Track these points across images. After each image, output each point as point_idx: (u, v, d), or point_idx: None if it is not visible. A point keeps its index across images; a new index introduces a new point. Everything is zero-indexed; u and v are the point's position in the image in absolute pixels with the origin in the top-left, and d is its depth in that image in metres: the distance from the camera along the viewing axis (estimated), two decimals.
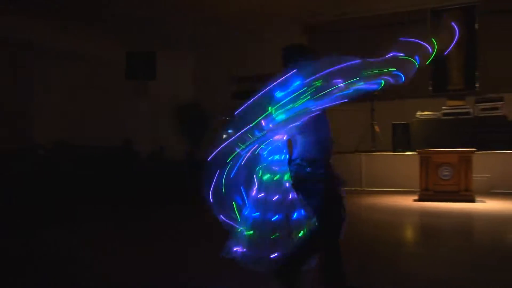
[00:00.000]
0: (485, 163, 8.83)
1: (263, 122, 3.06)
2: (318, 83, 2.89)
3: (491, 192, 8.79)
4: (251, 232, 3.08)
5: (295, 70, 3.01)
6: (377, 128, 10.84)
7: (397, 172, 9.05)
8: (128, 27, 12.18)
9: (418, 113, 10.24)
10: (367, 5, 12.76)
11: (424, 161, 8.15)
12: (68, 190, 7.82)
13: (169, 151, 12.84)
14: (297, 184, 3.08)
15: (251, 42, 14.25)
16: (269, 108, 3.05)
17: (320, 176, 3.01)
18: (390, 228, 5.66)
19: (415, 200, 8.03)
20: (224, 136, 3.32)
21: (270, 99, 3.07)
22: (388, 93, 12.67)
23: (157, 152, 12.43)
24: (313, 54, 3.34)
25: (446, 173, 8.02)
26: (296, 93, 2.94)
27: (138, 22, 11.99)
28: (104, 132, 11.69)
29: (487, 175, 8.90)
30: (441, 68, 11.34)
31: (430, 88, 11.57)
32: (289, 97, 2.96)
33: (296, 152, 3.15)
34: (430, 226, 6.34)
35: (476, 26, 11.10)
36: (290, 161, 3.18)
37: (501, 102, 9.91)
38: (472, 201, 7.78)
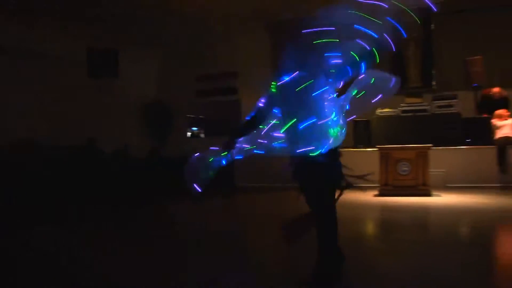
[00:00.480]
0: (440, 158, 8.99)
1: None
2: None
3: (446, 186, 8.97)
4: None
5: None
6: None
7: (358, 168, 9.02)
8: (90, 24, 11.80)
9: (378, 110, 10.34)
10: (329, 4, 12.77)
11: (384, 157, 8.22)
12: (32, 190, 7.56)
13: (134, 149, 12.56)
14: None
15: (215, 40, 14.09)
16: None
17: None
18: (351, 223, 5.64)
19: (375, 195, 8.10)
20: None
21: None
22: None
23: (121, 151, 12.13)
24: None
25: (405, 169, 8.12)
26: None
27: (100, 19, 11.63)
28: (67, 131, 11.33)
29: (442, 170, 9.07)
30: (400, 67, 11.48)
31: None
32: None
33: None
34: (389, 220, 6.40)
35: (432, 26, 11.29)
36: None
37: (455, 100, 10.13)
38: (429, 195, 7.92)
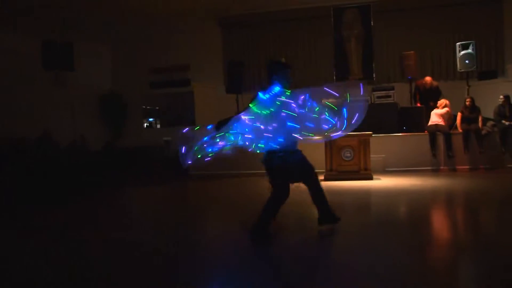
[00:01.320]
0: (380, 145, 9.43)
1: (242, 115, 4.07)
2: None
3: (385, 170, 9.43)
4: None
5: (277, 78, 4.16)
6: None
7: (306, 155, 9.36)
8: (45, 16, 11.38)
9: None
10: (276, 0, 13.02)
11: (329, 144, 8.50)
12: None
13: (89, 141, 12.30)
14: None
15: (168, 33, 13.97)
16: (251, 104, 4.05)
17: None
18: (299, 206, 5.87)
19: (321, 180, 8.36)
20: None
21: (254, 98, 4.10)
22: (295, 82, 13.11)
23: (76, 142, 11.85)
24: (289, 68, 4.33)
25: (348, 155, 8.46)
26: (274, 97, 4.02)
27: (55, 12, 11.24)
28: (23, 123, 10.96)
29: (382, 155, 9.52)
30: (343, 60, 11.87)
31: (334, 77, 12.08)
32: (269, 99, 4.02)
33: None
34: (334, 203, 6.65)
35: (372, 23, 11.72)
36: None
37: (392, 91, 10.60)
38: (370, 179, 8.29)
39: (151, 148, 13.04)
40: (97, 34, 13.39)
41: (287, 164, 4.19)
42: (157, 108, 16.41)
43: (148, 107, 16.00)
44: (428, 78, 10.80)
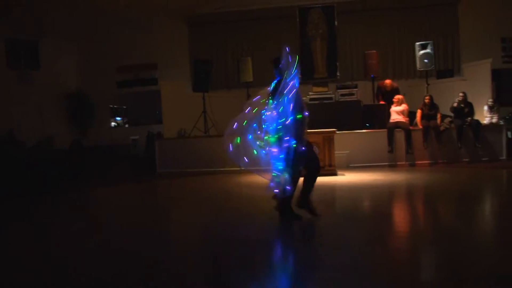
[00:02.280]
0: (344, 141, 9.53)
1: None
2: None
3: (349, 166, 9.56)
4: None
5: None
6: None
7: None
8: (9, 14, 10.96)
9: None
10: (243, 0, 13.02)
11: None
12: None
13: (56, 140, 11.97)
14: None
15: (135, 32, 13.73)
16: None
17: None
18: (265, 202, 5.90)
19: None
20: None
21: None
22: (262, 80, 13.14)
23: (43, 141, 11.51)
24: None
25: None
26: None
27: (19, 9, 10.84)
28: None
29: (346, 151, 9.64)
30: (308, 59, 11.94)
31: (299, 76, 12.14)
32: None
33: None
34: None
35: (336, 23, 11.84)
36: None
37: (355, 89, 10.76)
38: (335, 174, 8.38)
39: (119, 147, 12.81)
40: (63, 32, 13.01)
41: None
42: (125, 107, 16.12)
43: (115, 106, 15.69)
44: (388, 81, 10.99)
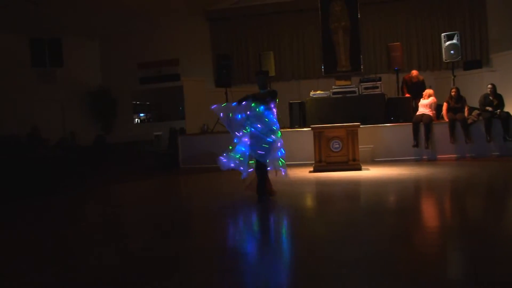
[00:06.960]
0: (368, 135, 9.39)
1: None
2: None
3: (374, 161, 9.41)
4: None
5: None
6: None
7: (295, 147, 9.32)
8: (31, 13, 11.15)
9: (312, 92, 10.61)
10: None
11: (317, 136, 8.45)
12: None
13: (80, 136, 12.15)
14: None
15: (156, 28, 13.82)
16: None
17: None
18: (290, 197, 5.84)
19: (310, 172, 8.35)
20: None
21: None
22: (284, 73, 13.07)
23: (66, 138, 11.69)
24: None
25: (337, 146, 8.42)
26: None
27: (41, 8, 11.01)
28: (12, 120, 10.76)
29: (370, 146, 9.50)
30: (331, 52, 11.80)
31: (322, 69, 12.01)
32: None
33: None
34: (324, 193, 6.66)
35: (359, 15, 11.64)
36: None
37: (379, 82, 10.56)
38: (359, 169, 8.25)
39: (142, 143, 12.92)
40: (85, 30, 13.19)
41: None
42: (148, 103, 16.27)
43: (138, 102, 15.85)
44: (414, 72, 10.78)
